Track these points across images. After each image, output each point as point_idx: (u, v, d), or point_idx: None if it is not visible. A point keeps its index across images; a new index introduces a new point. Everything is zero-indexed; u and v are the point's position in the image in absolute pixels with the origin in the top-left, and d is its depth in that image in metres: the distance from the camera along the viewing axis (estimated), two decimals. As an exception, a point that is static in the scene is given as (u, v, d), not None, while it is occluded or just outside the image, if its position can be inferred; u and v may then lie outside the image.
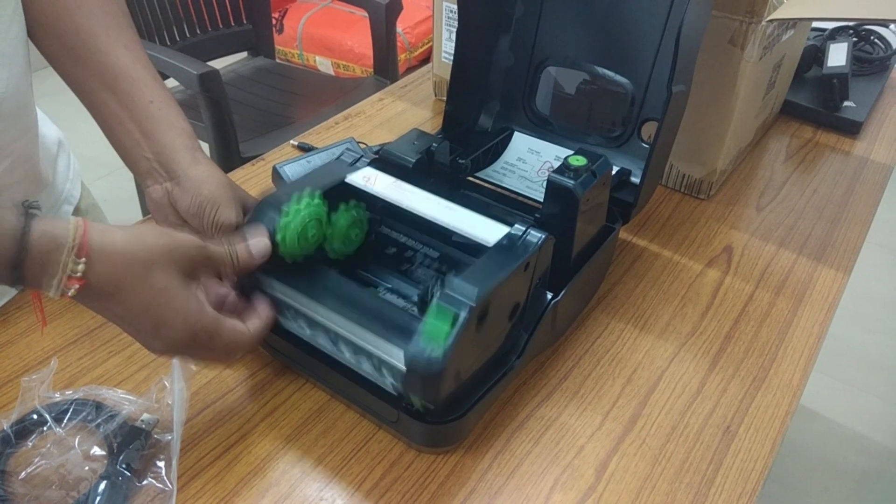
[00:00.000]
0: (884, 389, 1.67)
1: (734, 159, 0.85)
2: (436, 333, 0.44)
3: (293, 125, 1.55)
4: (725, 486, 0.52)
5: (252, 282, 0.53)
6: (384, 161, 0.62)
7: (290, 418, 0.55)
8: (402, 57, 2.50)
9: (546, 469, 0.52)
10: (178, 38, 1.66)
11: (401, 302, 0.57)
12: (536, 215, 0.58)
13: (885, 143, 0.94)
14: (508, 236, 0.52)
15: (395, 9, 1.72)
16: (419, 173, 0.61)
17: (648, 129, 0.71)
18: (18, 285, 0.42)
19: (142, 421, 0.52)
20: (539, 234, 0.52)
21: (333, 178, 0.57)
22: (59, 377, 0.57)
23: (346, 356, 0.51)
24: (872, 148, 0.93)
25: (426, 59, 2.56)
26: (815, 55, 1.01)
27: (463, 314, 0.44)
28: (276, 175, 0.73)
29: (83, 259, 0.42)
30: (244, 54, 1.86)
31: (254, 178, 0.81)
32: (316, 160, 0.73)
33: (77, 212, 0.75)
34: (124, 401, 0.54)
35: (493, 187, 0.70)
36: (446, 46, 0.95)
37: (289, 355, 0.56)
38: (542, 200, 0.57)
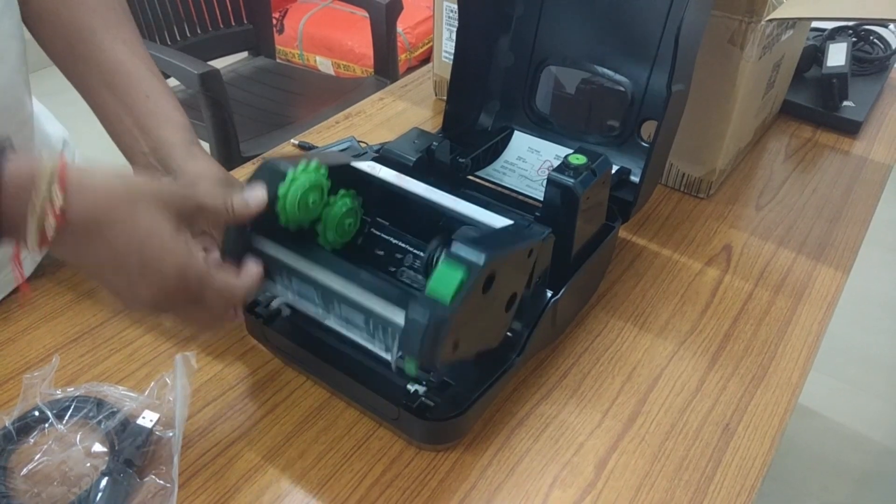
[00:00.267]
0: (883, 389, 1.67)
1: (734, 158, 0.85)
2: (446, 282, 0.43)
3: (293, 125, 1.56)
4: (724, 484, 0.52)
5: (243, 241, 0.50)
6: (385, 160, 0.62)
7: (291, 415, 0.55)
8: (402, 57, 2.51)
9: (546, 466, 0.52)
10: (178, 38, 1.66)
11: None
12: (536, 214, 0.58)
13: (885, 143, 0.94)
14: (515, 224, 0.52)
15: (395, 9, 1.72)
16: (419, 172, 0.61)
17: (648, 129, 0.71)
18: None
19: (143, 418, 0.52)
20: (543, 228, 0.52)
21: (339, 160, 0.57)
22: (60, 374, 0.57)
23: (339, 321, 0.49)
24: (871, 147, 0.93)
25: (426, 59, 2.56)
26: (814, 55, 1.01)
27: (475, 268, 0.43)
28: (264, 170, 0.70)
29: (62, 193, 0.39)
30: (245, 54, 1.86)
31: (254, 177, 0.81)
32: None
33: None
34: (125, 398, 0.54)
35: (493, 186, 0.70)
36: (447, 46, 0.95)
37: (289, 353, 0.57)
38: (542, 199, 0.57)
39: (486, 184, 0.71)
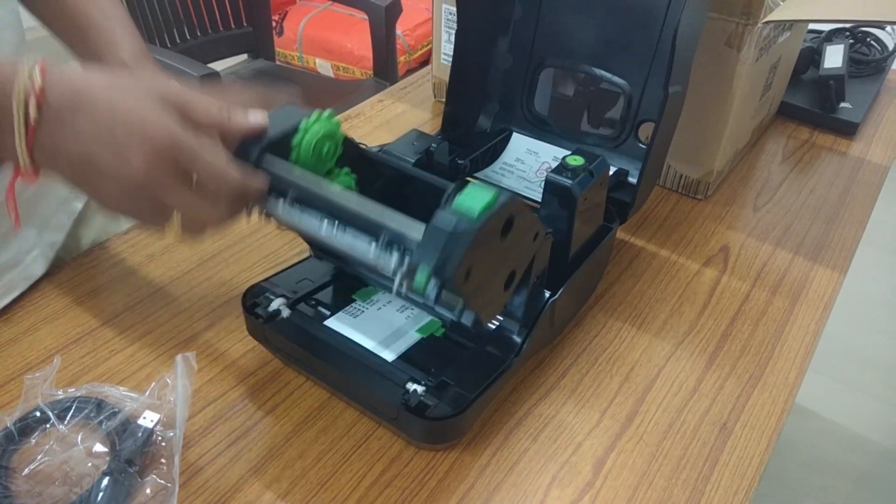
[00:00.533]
0: (881, 390, 1.67)
1: (731, 160, 0.85)
2: (474, 200, 0.42)
3: (293, 127, 1.56)
4: (722, 483, 0.52)
5: (245, 155, 0.48)
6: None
7: (291, 416, 0.55)
8: (401, 59, 2.51)
9: (544, 465, 0.53)
10: (178, 41, 1.67)
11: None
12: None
13: (882, 144, 0.95)
14: None
15: (394, 11, 1.73)
16: (418, 173, 0.62)
17: (646, 130, 0.71)
18: None
19: (144, 418, 0.53)
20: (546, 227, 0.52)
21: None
22: (61, 375, 0.57)
23: (345, 240, 0.47)
24: (869, 149, 0.94)
25: (426, 61, 2.57)
26: (811, 57, 1.02)
27: (503, 196, 0.43)
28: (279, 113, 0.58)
29: (41, 77, 0.39)
30: (244, 56, 1.87)
31: (254, 179, 0.82)
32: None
33: (87, 210, 0.75)
34: (126, 398, 0.54)
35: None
36: (445, 48, 0.95)
37: (289, 353, 0.57)
38: (540, 200, 0.57)
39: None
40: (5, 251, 0.64)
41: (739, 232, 0.78)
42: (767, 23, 0.71)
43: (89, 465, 0.50)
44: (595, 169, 0.57)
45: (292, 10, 2.78)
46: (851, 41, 1.07)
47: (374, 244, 0.45)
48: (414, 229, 0.44)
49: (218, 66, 1.52)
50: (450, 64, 0.75)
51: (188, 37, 1.69)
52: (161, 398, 0.54)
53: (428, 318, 0.58)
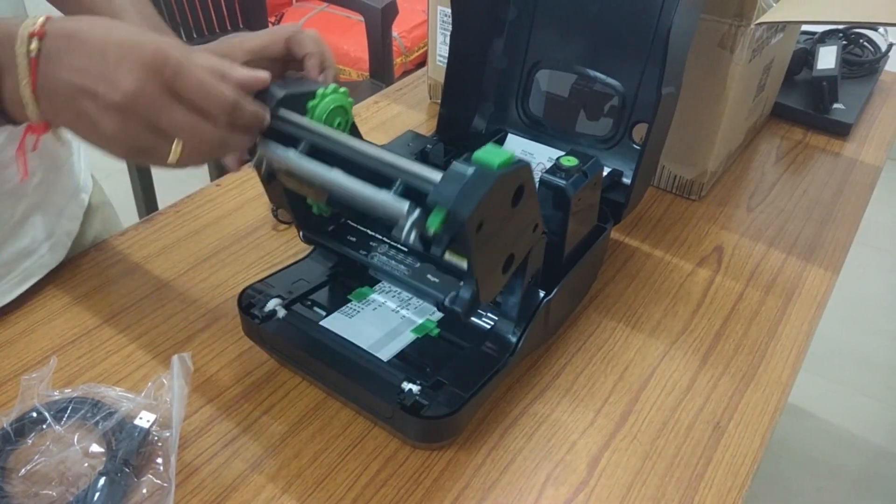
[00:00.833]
0: (877, 390, 1.68)
1: (725, 161, 0.86)
2: (493, 155, 0.42)
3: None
4: (715, 481, 0.53)
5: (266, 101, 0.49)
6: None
7: (287, 416, 0.56)
8: (397, 61, 2.52)
9: (539, 464, 0.53)
10: (174, 43, 1.67)
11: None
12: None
13: (874, 145, 0.95)
14: None
15: (390, 13, 1.73)
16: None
17: (639, 131, 0.72)
18: None
19: (140, 418, 0.53)
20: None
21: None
22: (57, 376, 0.58)
23: (360, 183, 0.47)
24: (861, 149, 0.94)
25: (422, 62, 2.57)
26: (804, 58, 1.03)
27: (517, 160, 0.43)
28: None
29: (42, 18, 0.42)
30: (240, 58, 1.87)
31: (251, 180, 0.82)
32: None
33: (90, 207, 0.75)
34: (123, 399, 0.55)
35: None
36: (441, 50, 0.96)
37: (285, 353, 0.57)
38: (534, 200, 0.58)
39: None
40: (20, 240, 0.64)
41: (733, 232, 0.78)
42: (760, 24, 0.72)
43: (86, 465, 0.50)
44: (589, 169, 0.58)
45: (288, 11, 2.79)
46: (844, 42, 1.08)
47: (386, 192, 0.45)
48: (431, 174, 0.44)
49: (214, 68, 1.53)
50: (445, 65, 0.75)
51: (184, 39, 1.69)
52: (157, 398, 0.54)
53: (423, 319, 0.59)
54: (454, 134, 0.77)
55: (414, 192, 0.44)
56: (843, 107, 0.98)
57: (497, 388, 0.57)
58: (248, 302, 0.57)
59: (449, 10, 0.73)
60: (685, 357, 0.62)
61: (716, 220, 0.80)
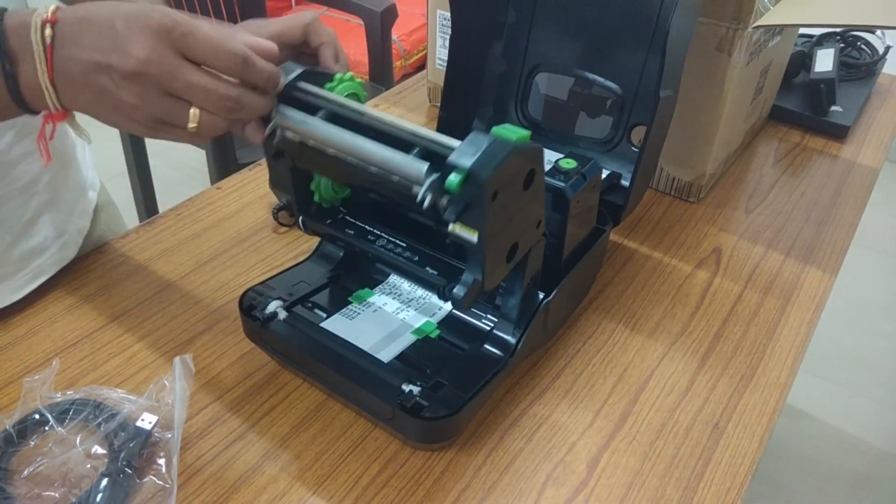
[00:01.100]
0: (877, 391, 1.68)
1: (723, 163, 0.86)
2: (511, 132, 0.44)
3: (289, 132, 1.56)
4: (714, 482, 0.53)
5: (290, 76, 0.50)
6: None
7: (288, 417, 0.56)
8: (397, 64, 2.52)
9: (539, 465, 0.53)
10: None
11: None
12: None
13: (872, 147, 0.96)
14: None
15: (390, 16, 1.73)
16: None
17: (638, 134, 0.72)
18: (4, 58, 0.43)
19: (142, 420, 0.53)
20: None
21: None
22: (60, 378, 0.58)
23: (378, 146, 0.47)
24: (859, 151, 0.95)
25: (421, 66, 2.58)
26: (802, 61, 1.03)
27: (533, 142, 0.45)
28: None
29: (53, 6, 0.43)
30: (240, 62, 1.87)
31: (251, 183, 0.82)
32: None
33: (96, 207, 0.76)
34: (124, 400, 0.55)
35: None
36: (440, 53, 0.96)
37: (286, 355, 0.57)
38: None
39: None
40: (32, 237, 0.65)
41: (731, 234, 0.78)
42: (758, 27, 0.72)
43: (88, 466, 0.51)
44: (588, 172, 0.58)
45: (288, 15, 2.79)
46: (842, 45, 1.08)
47: (405, 154, 0.46)
48: (450, 141, 0.45)
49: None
50: (445, 69, 0.76)
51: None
52: (159, 400, 0.55)
53: (423, 321, 0.59)
54: (454, 136, 0.77)
55: (432, 158, 0.45)
56: (840, 109, 0.98)
57: (497, 390, 0.58)
58: (250, 304, 0.58)
59: (448, 14, 0.74)
60: (684, 358, 0.63)
61: (714, 221, 0.80)
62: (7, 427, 0.52)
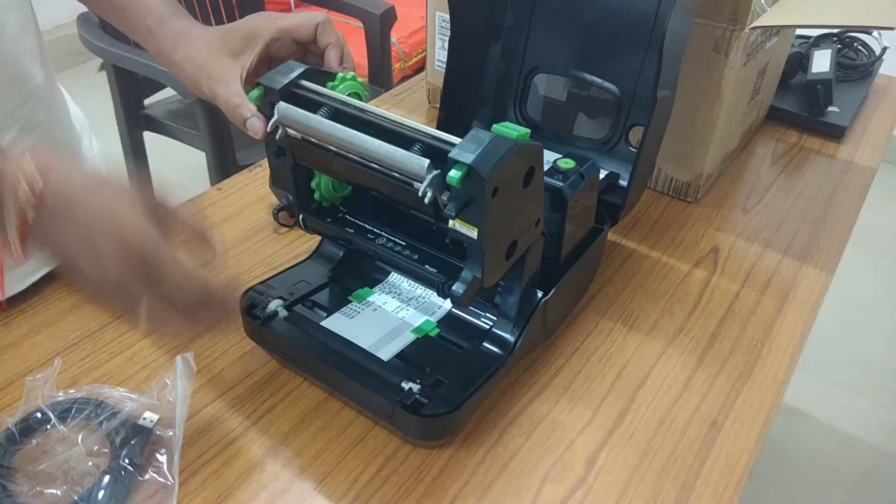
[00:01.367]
0: (874, 391, 1.68)
1: (721, 163, 0.87)
2: (511, 130, 0.45)
3: (289, 133, 1.57)
4: (711, 479, 0.53)
5: (287, 71, 0.51)
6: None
7: (288, 415, 0.56)
8: (396, 66, 2.52)
9: (537, 462, 0.54)
10: (174, 49, 1.67)
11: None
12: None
13: (869, 147, 0.96)
14: None
15: (389, 19, 1.74)
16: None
17: (636, 134, 0.73)
18: None
19: (144, 418, 0.53)
20: None
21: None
22: (61, 378, 0.58)
23: (380, 143, 0.47)
24: (856, 152, 0.95)
25: (420, 68, 2.58)
26: (799, 62, 1.04)
27: (533, 141, 0.46)
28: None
29: (41, 179, 0.43)
30: (240, 64, 1.88)
31: (252, 184, 0.83)
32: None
33: None
34: (126, 399, 0.55)
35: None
36: (440, 55, 0.97)
37: (286, 353, 0.58)
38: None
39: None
40: None
41: (729, 233, 0.79)
42: (754, 28, 0.73)
43: (90, 464, 0.51)
44: (586, 171, 0.59)
45: (288, 18, 2.80)
46: (839, 46, 1.09)
47: (406, 151, 0.46)
48: (451, 138, 0.46)
49: (214, 73, 1.53)
50: (444, 70, 0.76)
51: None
52: (161, 399, 0.55)
53: (422, 319, 0.60)
54: (453, 137, 0.78)
55: (433, 155, 0.46)
56: (837, 110, 0.99)
57: (496, 388, 0.58)
58: (250, 303, 0.58)
59: (447, 16, 0.74)
60: (682, 357, 0.63)
61: (712, 221, 0.81)
62: (9, 426, 0.53)
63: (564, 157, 0.60)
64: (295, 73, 0.51)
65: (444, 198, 0.45)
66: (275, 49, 0.58)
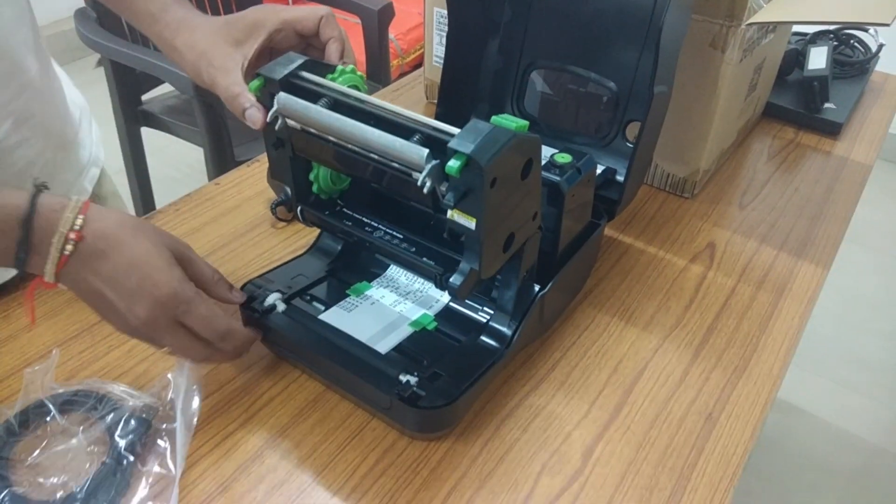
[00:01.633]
0: (872, 389, 1.69)
1: (717, 159, 0.87)
2: (510, 121, 0.45)
3: (287, 130, 1.57)
4: (707, 470, 0.54)
5: (287, 62, 0.52)
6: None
7: (287, 408, 0.56)
8: (394, 63, 2.52)
9: (534, 454, 0.54)
10: (172, 45, 1.67)
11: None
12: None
13: (865, 144, 0.97)
14: None
15: (387, 15, 1.74)
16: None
17: (633, 130, 0.73)
18: (22, 247, 0.46)
19: (143, 411, 0.54)
20: None
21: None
22: (60, 371, 0.58)
23: (379, 133, 0.48)
24: (852, 148, 0.96)
25: (418, 64, 2.58)
26: (796, 59, 1.04)
27: (531, 133, 0.46)
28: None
29: (83, 216, 0.47)
30: (238, 60, 1.88)
31: (249, 179, 0.83)
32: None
33: (99, 198, 0.76)
34: (125, 392, 0.55)
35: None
36: (437, 51, 0.97)
37: (285, 346, 0.58)
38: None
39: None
40: None
41: (725, 229, 0.79)
42: (751, 24, 0.73)
43: (89, 455, 0.51)
44: (583, 166, 0.59)
45: (286, 14, 2.79)
46: (835, 43, 1.09)
47: (406, 141, 0.47)
48: (450, 129, 0.46)
49: (212, 69, 1.53)
50: (441, 66, 0.76)
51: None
52: (160, 392, 0.55)
53: (420, 313, 0.60)
54: (450, 133, 0.78)
55: (432, 145, 0.46)
56: (833, 106, 0.99)
57: (493, 381, 0.58)
58: (249, 296, 0.58)
59: (445, 12, 0.75)
60: (678, 351, 0.64)
61: (708, 217, 0.81)
62: (9, 417, 0.53)
63: (562, 151, 0.60)
64: (295, 64, 0.51)
65: (443, 188, 0.45)
66: (277, 40, 0.58)
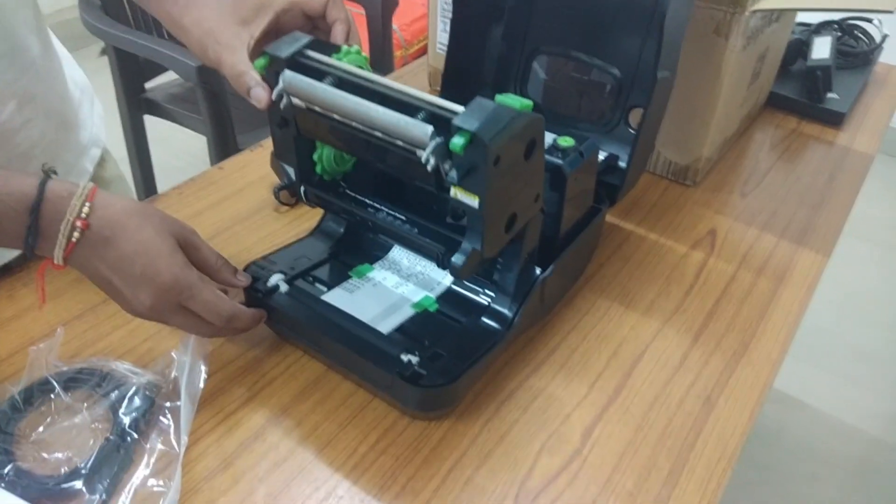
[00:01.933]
0: (872, 380, 1.69)
1: (720, 147, 0.87)
2: (515, 101, 0.46)
3: (290, 118, 1.57)
4: (705, 452, 0.54)
5: (292, 41, 0.52)
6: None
7: (289, 387, 0.57)
8: (397, 53, 2.52)
9: (534, 435, 0.55)
10: (176, 33, 1.67)
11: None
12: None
13: (867, 134, 0.97)
14: None
15: (390, 5, 1.74)
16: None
17: (635, 116, 0.73)
18: (31, 233, 0.47)
19: (146, 388, 0.54)
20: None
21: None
22: (64, 349, 0.59)
23: (384, 110, 0.48)
24: (854, 138, 0.96)
25: (422, 55, 2.58)
26: (800, 48, 1.04)
27: (535, 113, 0.46)
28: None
29: (89, 203, 0.48)
30: (242, 49, 1.88)
31: (253, 164, 0.83)
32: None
33: (103, 181, 0.77)
34: (129, 370, 0.56)
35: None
36: (441, 38, 0.97)
37: (288, 326, 0.58)
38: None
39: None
40: None
41: (727, 217, 0.79)
42: (755, 12, 0.73)
43: (93, 432, 0.52)
44: (585, 150, 0.59)
45: (289, 4, 2.79)
46: (839, 34, 1.09)
47: (410, 118, 0.47)
48: (455, 106, 0.46)
49: (216, 57, 1.53)
50: (445, 53, 0.77)
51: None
52: (164, 370, 0.56)
53: (422, 294, 0.60)
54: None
55: (437, 123, 0.46)
56: (836, 96, 0.99)
57: (494, 362, 0.59)
58: (252, 277, 0.59)
59: (449, -2, 0.75)
60: (677, 335, 0.64)
61: (710, 205, 0.81)
62: (14, 394, 0.53)
63: (564, 135, 0.60)
64: (301, 43, 0.51)
65: (447, 166, 0.46)
66: (284, 20, 0.58)
